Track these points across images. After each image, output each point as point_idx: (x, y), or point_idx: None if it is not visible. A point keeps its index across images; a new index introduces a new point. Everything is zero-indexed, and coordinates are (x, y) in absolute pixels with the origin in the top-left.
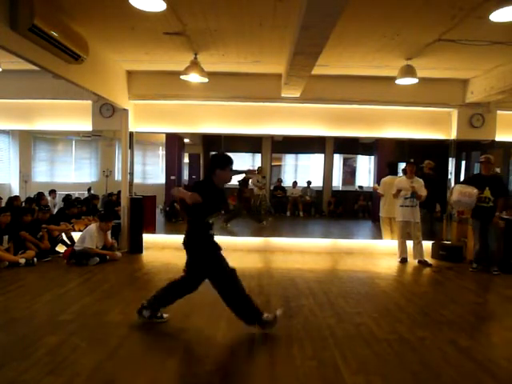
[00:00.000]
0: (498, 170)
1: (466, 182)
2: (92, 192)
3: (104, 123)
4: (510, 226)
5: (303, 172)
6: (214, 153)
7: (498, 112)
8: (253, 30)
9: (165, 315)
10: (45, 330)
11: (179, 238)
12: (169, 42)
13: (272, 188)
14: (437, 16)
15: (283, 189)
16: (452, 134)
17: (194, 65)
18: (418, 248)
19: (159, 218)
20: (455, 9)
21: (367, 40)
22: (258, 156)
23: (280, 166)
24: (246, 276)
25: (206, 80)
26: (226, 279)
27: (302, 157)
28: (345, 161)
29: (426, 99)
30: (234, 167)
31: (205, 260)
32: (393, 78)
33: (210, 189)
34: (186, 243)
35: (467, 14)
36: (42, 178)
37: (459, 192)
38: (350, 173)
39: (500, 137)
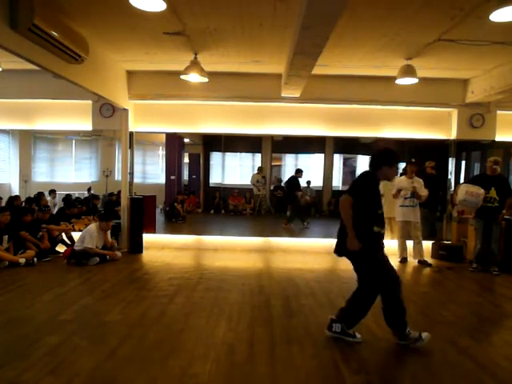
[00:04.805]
0: (498, 170)
1: (471, 181)
2: (92, 192)
3: (104, 123)
4: (510, 226)
5: (303, 172)
6: (381, 149)
7: (498, 112)
8: (253, 30)
9: (358, 335)
10: (45, 330)
11: (179, 238)
12: (169, 42)
13: (272, 188)
14: (437, 16)
15: (283, 188)
16: (452, 134)
17: (194, 64)
18: (417, 248)
19: (159, 217)
20: (455, 9)
21: (367, 40)
22: (258, 156)
23: (280, 165)
24: (246, 276)
25: (206, 80)
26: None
27: (302, 157)
28: (345, 161)
29: (426, 99)
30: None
31: (366, 265)
32: (393, 78)
33: (374, 188)
34: (346, 252)
35: (467, 14)
36: (42, 177)
37: (466, 191)
38: (350, 173)
39: (500, 137)
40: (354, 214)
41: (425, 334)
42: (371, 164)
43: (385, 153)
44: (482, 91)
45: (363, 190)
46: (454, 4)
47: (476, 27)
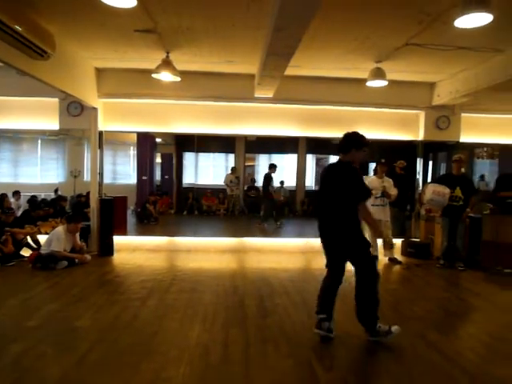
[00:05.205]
0: (462, 169)
1: (437, 181)
2: (59, 193)
3: (72, 122)
4: (474, 224)
5: (277, 172)
6: (349, 131)
7: (463, 114)
8: (226, 30)
9: (331, 335)
10: (9, 338)
11: (151, 240)
12: (140, 40)
13: (246, 188)
14: (405, 21)
15: (257, 189)
16: (420, 136)
17: (166, 63)
18: (388, 246)
19: (130, 219)
20: (423, 14)
21: (339, 43)
22: (232, 156)
23: (253, 166)
24: (220, 277)
25: (178, 79)
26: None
27: (276, 157)
28: (317, 161)
29: (396, 101)
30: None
31: (355, 249)
32: (364, 80)
33: (354, 170)
34: (334, 238)
35: (434, 19)
36: (5, 178)
37: (433, 191)
38: None
39: (464, 138)
40: (348, 207)
41: (394, 327)
42: (341, 148)
43: (354, 136)
44: (448, 94)
45: (355, 181)
46: (421, 9)
47: (442, 32)
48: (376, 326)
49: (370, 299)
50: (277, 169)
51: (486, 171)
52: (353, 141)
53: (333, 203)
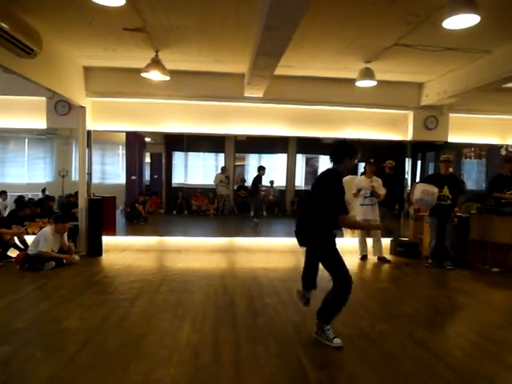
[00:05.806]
0: (450, 169)
1: (425, 180)
2: (47, 193)
3: (59, 121)
4: (462, 223)
5: (267, 172)
6: (338, 140)
7: (451, 115)
8: (216, 29)
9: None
10: None
11: (141, 240)
12: (129, 38)
13: (235, 188)
14: (394, 22)
15: (246, 188)
16: (408, 136)
17: (155, 62)
18: (377, 245)
19: (120, 219)
20: (411, 15)
21: (329, 43)
22: (221, 156)
23: (243, 165)
24: (210, 276)
25: (167, 78)
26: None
27: (266, 157)
28: (307, 161)
29: (385, 101)
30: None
31: (323, 253)
32: (353, 80)
33: (340, 183)
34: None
35: (423, 20)
36: None
37: (422, 191)
38: (312, 172)
39: (452, 138)
40: (318, 212)
41: (337, 340)
42: (334, 157)
43: (346, 145)
44: (436, 95)
45: (330, 188)
46: (410, 10)
47: (430, 33)
48: (328, 324)
49: (338, 300)
50: (266, 170)
51: (473, 171)
52: (345, 149)
53: (313, 208)
